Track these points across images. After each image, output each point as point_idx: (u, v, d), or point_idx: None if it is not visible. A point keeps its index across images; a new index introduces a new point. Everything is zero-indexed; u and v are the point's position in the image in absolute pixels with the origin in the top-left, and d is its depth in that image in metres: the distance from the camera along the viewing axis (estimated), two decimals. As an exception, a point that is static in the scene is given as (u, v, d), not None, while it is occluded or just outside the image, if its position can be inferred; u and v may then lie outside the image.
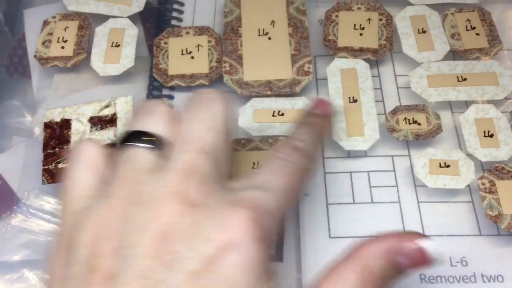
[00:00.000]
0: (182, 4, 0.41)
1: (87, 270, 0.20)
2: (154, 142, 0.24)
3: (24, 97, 0.38)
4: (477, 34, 0.37)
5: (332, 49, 0.37)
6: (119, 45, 0.38)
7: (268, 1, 0.40)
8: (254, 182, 0.23)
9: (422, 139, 0.33)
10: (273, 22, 0.39)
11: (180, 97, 0.37)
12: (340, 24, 0.38)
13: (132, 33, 0.38)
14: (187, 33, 0.39)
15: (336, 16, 0.39)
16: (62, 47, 0.38)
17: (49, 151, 0.34)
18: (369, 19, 0.38)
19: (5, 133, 0.37)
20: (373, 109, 0.34)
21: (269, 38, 0.38)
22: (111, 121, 0.35)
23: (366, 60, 0.37)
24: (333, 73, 0.36)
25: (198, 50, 0.38)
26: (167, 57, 0.38)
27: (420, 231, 0.31)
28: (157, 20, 0.40)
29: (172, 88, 0.37)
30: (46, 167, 0.34)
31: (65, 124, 0.35)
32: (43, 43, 0.38)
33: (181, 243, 0.20)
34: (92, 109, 0.36)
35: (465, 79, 0.35)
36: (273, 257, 0.31)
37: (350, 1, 0.40)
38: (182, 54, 0.38)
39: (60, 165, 0.34)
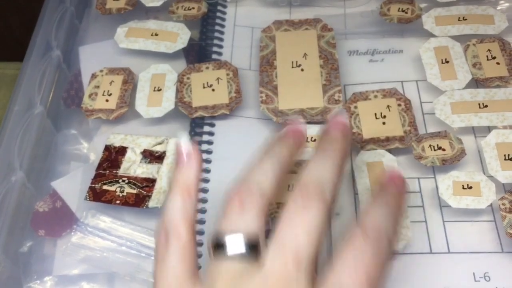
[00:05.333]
0: (222, 40, 0.45)
1: None
2: (251, 249, 0.24)
3: (80, 127, 0.42)
4: (498, 63, 0.40)
5: (359, 142, 0.38)
6: (160, 89, 0.41)
7: (300, 35, 0.43)
8: (332, 283, 0.24)
9: (449, 163, 0.35)
10: (305, 54, 0.42)
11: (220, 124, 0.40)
12: (361, 115, 0.38)
13: (172, 78, 0.42)
14: (207, 68, 0.42)
15: (355, 107, 0.39)
16: (107, 100, 0.41)
17: (100, 171, 0.38)
18: (388, 106, 0.38)
19: (64, 159, 0.40)
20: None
21: (302, 70, 0.41)
22: (159, 157, 0.38)
23: (394, 149, 0.37)
24: (359, 168, 0.36)
25: (218, 83, 0.41)
26: (190, 91, 0.41)
27: (445, 248, 0.33)
28: (199, 54, 0.44)
29: (213, 117, 0.40)
30: (93, 185, 0.37)
31: (121, 150, 0.38)
32: (89, 96, 0.42)
33: None
34: (147, 143, 0.39)
35: (486, 106, 0.37)
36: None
37: (365, 91, 0.40)
38: (204, 87, 0.41)
39: (104, 187, 0.37)
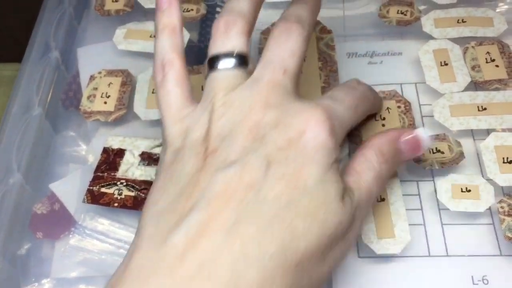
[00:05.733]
0: (220, 41, 0.45)
1: (197, 152, 0.27)
2: (240, 62, 0.29)
3: (78, 128, 0.42)
4: (497, 66, 0.40)
5: (358, 144, 0.38)
6: None
7: (299, 37, 0.43)
8: (325, 95, 0.30)
9: (448, 166, 0.35)
10: (304, 57, 0.42)
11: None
12: None
13: None
14: None
15: None
16: (105, 102, 0.41)
17: (98, 173, 0.37)
18: (388, 108, 0.39)
19: (63, 160, 0.40)
20: (402, 209, 0.34)
21: (301, 72, 0.41)
22: (158, 160, 0.37)
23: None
24: None
25: None
26: None
27: (444, 251, 0.33)
28: (198, 56, 0.44)
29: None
30: (91, 188, 0.37)
31: (119, 153, 0.38)
32: (88, 97, 0.41)
33: (268, 129, 0.27)
34: (146, 145, 0.39)
35: (485, 109, 0.38)
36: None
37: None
38: (202, 90, 0.41)
39: (103, 189, 0.37)
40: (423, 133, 0.32)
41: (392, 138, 0.31)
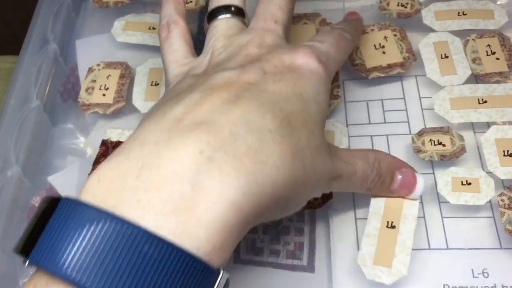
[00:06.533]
0: (219, 34, 0.44)
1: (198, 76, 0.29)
2: (238, 13, 0.32)
3: (77, 121, 0.42)
4: (497, 58, 0.39)
5: (363, 72, 0.40)
6: (158, 84, 0.41)
7: (299, 30, 0.43)
8: (313, 38, 0.32)
9: (447, 159, 0.35)
10: (304, 49, 0.42)
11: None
12: (361, 47, 0.41)
13: None
14: None
15: None
16: (104, 95, 0.41)
17: (97, 166, 0.37)
18: (385, 37, 0.41)
19: (61, 153, 0.40)
20: (409, 241, 0.32)
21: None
22: None
23: (397, 75, 0.40)
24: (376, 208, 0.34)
25: None
26: None
27: (444, 244, 0.33)
28: (196, 48, 0.43)
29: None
30: None
31: (118, 145, 0.38)
32: (86, 90, 0.41)
33: (265, 54, 0.29)
34: None
35: (485, 102, 0.37)
36: (305, 268, 0.33)
37: (363, 25, 0.42)
38: None
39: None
40: (422, 182, 0.33)
41: (395, 163, 0.33)
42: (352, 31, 0.36)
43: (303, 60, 0.29)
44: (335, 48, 0.32)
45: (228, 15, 0.32)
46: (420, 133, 0.37)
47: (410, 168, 0.33)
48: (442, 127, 0.37)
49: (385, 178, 0.32)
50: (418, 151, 0.36)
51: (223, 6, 0.32)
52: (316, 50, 0.30)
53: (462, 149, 0.36)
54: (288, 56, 0.29)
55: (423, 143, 0.36)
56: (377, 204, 0.34)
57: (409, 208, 0.33)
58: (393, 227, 0.33)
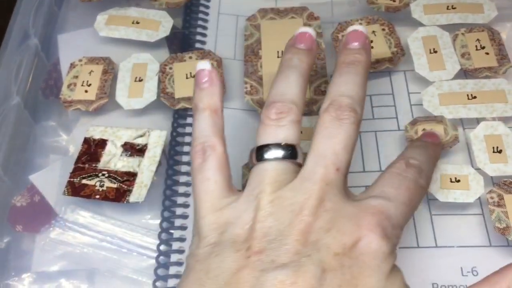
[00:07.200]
0: (205, 28, 0.44)
1: (237, 249, 0.25)
2: (291, 152, 0.27)
3: (59, 118, 0.41)
4: (487, 53, 0.39)
5: None
6: (142, 80, 0.40)
7: (286, 24, 0.42)
8: (376, 193, 0.27)
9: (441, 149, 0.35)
10: (291, 44, 0.41)
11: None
12: None
13: (153, 68, 0.40)
14: (190, 57, 0.41)
15: (342, 35, 0.41)
16: (86, 91, 0.40)
17: (79, 165, 0.36)
18: (373, 32, 0.41)
19: (43, 151, 0.39)
20: None
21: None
22: (140, 150, 0.37)
23: (385, 70, 0.39)
24: None
25: None
26: (173, 81, 0.40)
27: (433, 242, 0.33)
28: (182, 43, 0.43)
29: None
30: (71, 179, 0.36)
31: (101, 143, 0.37)
32: (68, 86, 0.40)
33: (321, 234, 0.25)
34: (128, 135, 0.38)
35: (475, 97, 0.37)
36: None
37: (350, 20, 0.42)
38: (187, 77, 0.40)
39: (83, 181, 0.35)
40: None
41: None
42: (428, 169, 0.30)
43: (366, 238, 0.25)
44: (406, 207, 0.27)
45: (279, 156, 0.27)
46: (414, 122, 0.36)
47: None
48: (436, 116, 0.36)
49: None
50: (411, 140, 0.35)
51: (275, 144, 0.27)
52: (382, 217, 0.25)
53: (456, 139, 0.35)
54: (350, 229, 0.25)
55: (416, 132, 0.36)
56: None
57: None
58: None
